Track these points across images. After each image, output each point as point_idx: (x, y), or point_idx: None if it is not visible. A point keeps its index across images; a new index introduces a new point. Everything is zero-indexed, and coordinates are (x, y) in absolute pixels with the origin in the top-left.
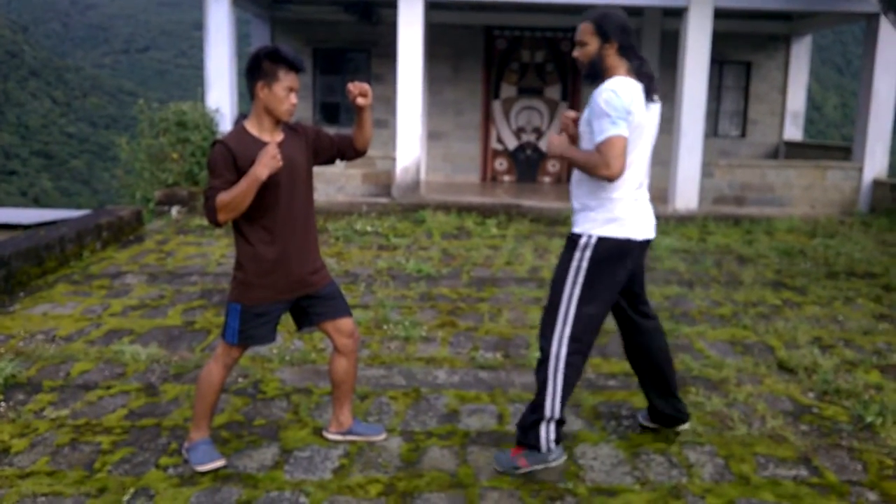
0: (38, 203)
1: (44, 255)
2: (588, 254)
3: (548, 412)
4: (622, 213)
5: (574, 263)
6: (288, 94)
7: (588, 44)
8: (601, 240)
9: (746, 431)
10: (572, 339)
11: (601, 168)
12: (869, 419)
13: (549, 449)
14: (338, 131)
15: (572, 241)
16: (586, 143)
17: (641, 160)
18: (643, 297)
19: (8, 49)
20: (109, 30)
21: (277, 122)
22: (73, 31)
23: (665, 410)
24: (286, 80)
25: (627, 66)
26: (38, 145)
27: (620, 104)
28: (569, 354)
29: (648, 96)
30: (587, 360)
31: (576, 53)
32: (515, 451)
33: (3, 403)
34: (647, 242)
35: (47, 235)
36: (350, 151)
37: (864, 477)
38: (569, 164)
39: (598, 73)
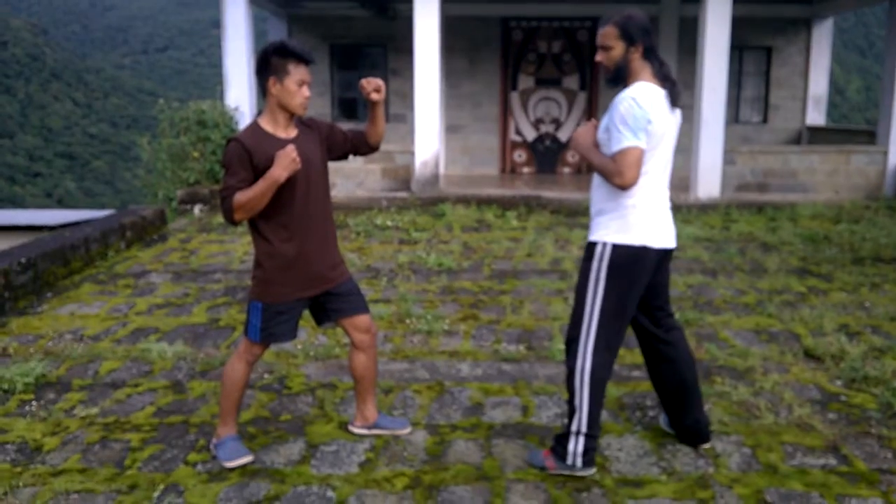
0: (62, 204)
1: (69, 256)
2: (605, 262)
3: (574, 426)
4: (637, 219)
5: (592, 274)
6: (300, 87)
7: (613, 48)
8: (616, 247)
9: (773, 420)
10: (595, 351)
11: (615, 177)
12: None
13: (573, 464)
14: (355, 126)
15: (589, 250)
16: (605, 150)
17: (660, 168)
18: (667, 309)
19: (29, 52)
20: (128, 30)
21: (291, 117)
22: (93, 32)
23: (690, 426)
24: (297, 73)
25: (651, 70)
26: (61, 147)
27: (641, 114)
28: (593, 370)
29: (673, 102)
30: (612, 370)
31: (599, 58)
32: (547, 451)
33: (34, 403)
34: (666, 252)
35: (72, 236)
36: (364, 147)
37: (894, 464)
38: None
39: (622, 78)
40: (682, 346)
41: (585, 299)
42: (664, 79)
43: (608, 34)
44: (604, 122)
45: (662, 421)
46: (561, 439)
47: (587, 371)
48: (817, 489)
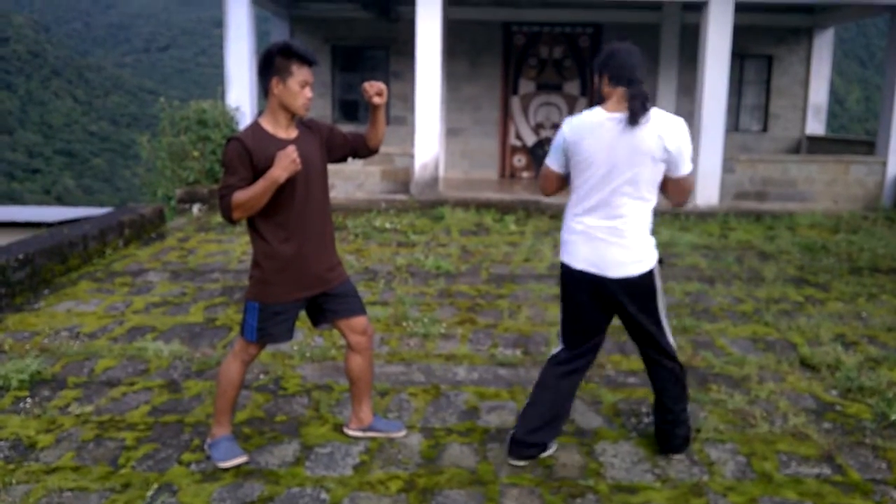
0: (60, 201)
1: (67, 253)
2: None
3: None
4: (567, 236)
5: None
6: (303, 88)
7: (595, 82)
8: (562, 263)
9: (768, 429)
10: (551, 358)
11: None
12: (893, 417)
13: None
14: (356, 129)
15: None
16: None
17: (588, 190)
18: (652, 341)
19: (31, 49)
20: (130, 29)
21: (292, 118)
22: (95, 30)
23: (662, 428)
24: (300, 74)
25: (617, 95)
26: (61, 144)
27: (558, 138)
28: (557, 361)
29: (632, 119)
30: (581, 377)
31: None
32: None
33: (28, 400)
34: (607, 282)
35: (70, 233)
36: (363, 149)
37: (889, 475)
38: None
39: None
40: (669, 387)
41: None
42: (631, 98)
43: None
44: None
45: None
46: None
47: (549, 370)
48: (811, 498)
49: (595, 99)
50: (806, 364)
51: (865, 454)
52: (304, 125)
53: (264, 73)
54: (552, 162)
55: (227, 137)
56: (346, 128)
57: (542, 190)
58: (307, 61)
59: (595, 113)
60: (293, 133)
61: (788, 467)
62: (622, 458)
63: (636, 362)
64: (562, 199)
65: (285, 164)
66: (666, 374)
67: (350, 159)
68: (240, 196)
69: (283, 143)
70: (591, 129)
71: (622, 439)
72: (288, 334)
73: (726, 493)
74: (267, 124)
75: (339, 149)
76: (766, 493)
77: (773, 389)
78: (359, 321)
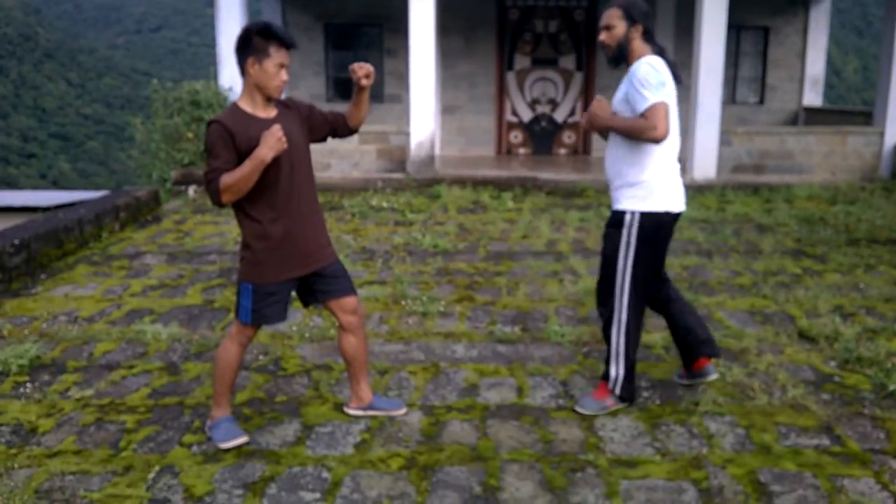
0: (56, 185)
1: (63, 237)
2: (635, 229)
3: (613, 371)
4: (659, 187)
5: (623, 240)
6: (279, 70)
7: (616, 27)
8: (644, 215)
9: (767, 401)
10: (629, 306)
11: (648, 131)
12: (891, 387)
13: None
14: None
15: (616, 218)
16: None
17: (674, 135)
18: (664, 276)
19: (22, 32)
20: (122, 9)
21: (268, 98)
22: (86, 11)
23: (705, 339)
24: (277, 56)
25: (651, 51)
26: (55, 127)
27: (659, 77)
28: (629, 321)
29: (676, 79)
30: (643, 321)
31: (602, 37)
32: (600, 392)
33: (28, 384)
34: (679, 214)
35: (66, 217)
36: (343, 129)
37: (887, 445)
38: (585, 137)
39: (623, 57)
40: (674, 294)
41: (617, 263)
42: (664, 58)
43: (612, 15)
44: (619, 93)
45: (677, 376)
46: (604, 380)
47: (623, 322)
48: (810, 469)
49: (614, 52)
50: (804, 336)
51: (864, 424)
52: (282, 104)
53: (241, 52)
54: (665, 96)
55: (208, 120)
56: (341, 106)
57: (663, 132)
58: (286, 44)
59: (659, 59)
60: (272, 112)
61: (787, 439)
62: (622, 433)
63: None
64: (558, 176)
65: (271, 143)
66: (672, 289)
67: (346, 138)
68: (227, 179)
69: (263, 123)
70: (669, 73)
71: (621, 413)
72: (282, 315)
73: (725, 465)
74: (245, 105)
75: (320, 128)
76: (765, 464)
77: (772, 361)
78: (349, 301)
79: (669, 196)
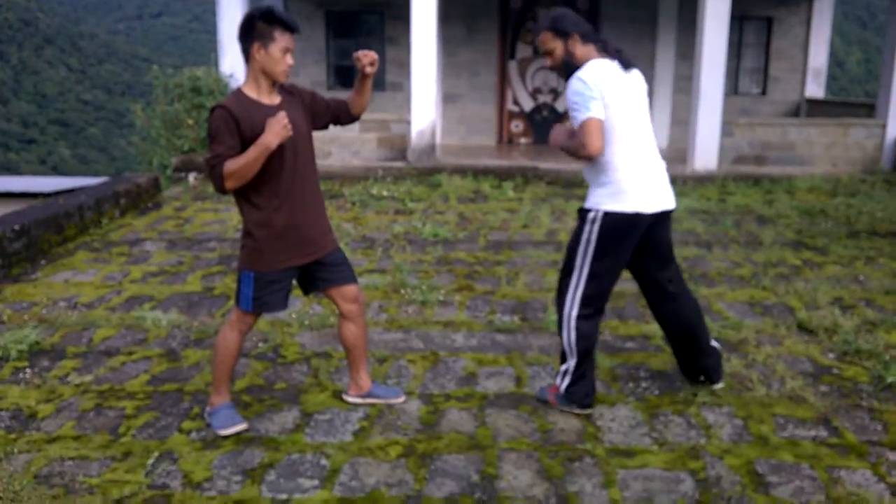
0: (56, 171)
1: (63, 223)
2: (596, 227)
3: (564, 367)
4: (630, 187)
5: (584, 236)
6: (284, 54)
7: (554, 48)
8: (607, 214)
9: (765, 392)
10: (581, 304)
11: (580, 150)
12: (889, 379)
13: (569, 401)
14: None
15: (581, 215)
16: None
17: (636, 132)
18: (673, 272)
19: (22, 17)
20: None
21: (273, 84)
22: None
23: (706, 364)
24: (282, 40)
25: (595, 49)
26: (55, 113)
27: (588, 91)
28: (578, 317)
29: (625, 67)
30: (600, 322)
31: (548, 63)
32: (553, 388)
33: (28, 370)
34: (663, 214)
35: (66, 203)
36: (345, 116)
37: (885, 437)
38: None
39: (574, 68)
40: (685, 294)
41: (575, 260)
42: (610, 52)
43: (545, 39)
44: None
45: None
46: (558, 377)
47: (573, 319)
48: (808, 461)
49: (563, 70)
50: (803, 327)
51: (862, 416)
52: (286, 90)
53: (245, 37)
54: (593, 111)
55: (212, 106)
56: (342, 94)
57: (593, 148)
58: (290, 28)
59: (599, 61)
60: (276, 99)
61: (785, 430)
62: (619, 422)
63: (633, 327)
64: (559, 165)
65: (277, 130)
66: (684, 297)
67: (347, 126)
68: (231, 165)
69: (267, 109)
70: (612, 72)
71: (619, 403)
72: (283, 303)
73: (723, 455)
74: (250, 91)
75: (323, 115)
76: (762, 455)
77: (771, 353)
78: (350, 289)
79: (640, 197)
